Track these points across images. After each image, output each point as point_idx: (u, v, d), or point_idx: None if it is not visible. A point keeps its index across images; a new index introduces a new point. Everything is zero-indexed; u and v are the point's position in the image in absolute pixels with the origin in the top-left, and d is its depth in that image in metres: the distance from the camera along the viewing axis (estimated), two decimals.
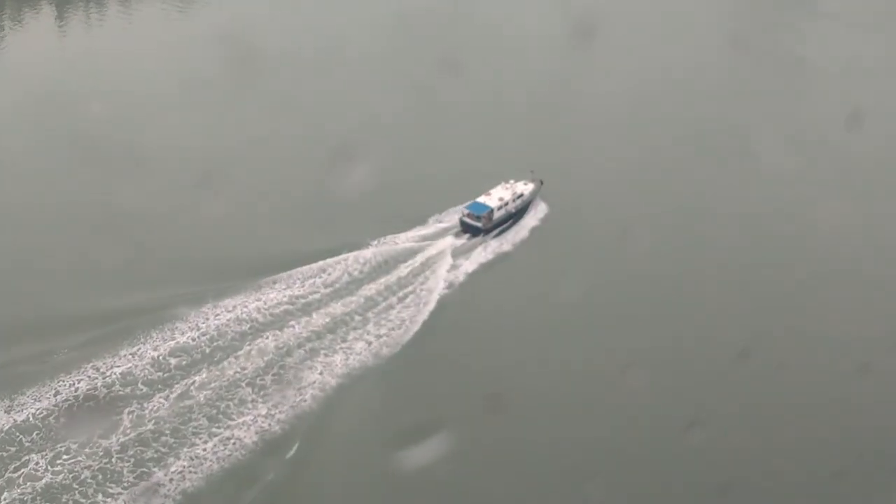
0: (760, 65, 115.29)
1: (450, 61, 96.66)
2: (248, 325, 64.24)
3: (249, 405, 57.84)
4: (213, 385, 58.72)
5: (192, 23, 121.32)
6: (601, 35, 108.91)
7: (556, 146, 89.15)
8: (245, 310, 65.64)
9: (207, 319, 64.17)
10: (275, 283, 68.83)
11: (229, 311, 65.09)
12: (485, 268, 72.89)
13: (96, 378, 58.24)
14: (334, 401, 58.65)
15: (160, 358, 60.50)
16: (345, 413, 58.04)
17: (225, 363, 60.56)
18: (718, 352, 64.40)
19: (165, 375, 59.34)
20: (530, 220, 79.36)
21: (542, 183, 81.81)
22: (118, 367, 59.22)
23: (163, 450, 54.03)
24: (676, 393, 60.87)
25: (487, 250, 74.97)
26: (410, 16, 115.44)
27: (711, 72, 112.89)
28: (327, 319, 65.61)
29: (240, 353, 61.66)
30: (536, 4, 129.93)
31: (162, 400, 57.37)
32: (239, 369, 60.36)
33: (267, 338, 63.35)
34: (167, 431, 55.21)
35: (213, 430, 55.69)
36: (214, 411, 56.90)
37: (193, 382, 58.93)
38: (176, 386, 58.47)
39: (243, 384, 59.26)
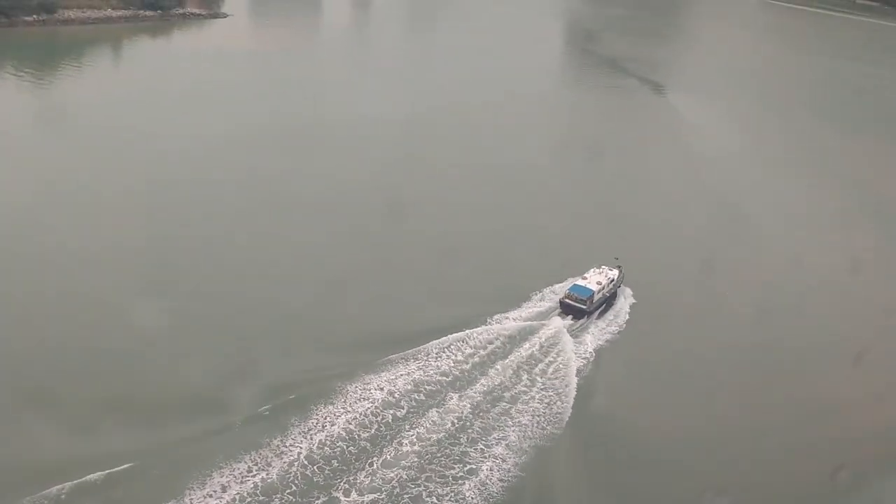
0: None
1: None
2: (391, 415, 60.18)
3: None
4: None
5: None
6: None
7: (622, 234, 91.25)
8: (390, 388, 62.11)
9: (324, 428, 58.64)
10: (396, 362, 65.39)
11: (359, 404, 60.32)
12: (610, 345, 72.22)
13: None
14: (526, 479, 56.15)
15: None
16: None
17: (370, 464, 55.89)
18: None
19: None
20: (624, 302, 79.79)
21: (622, 269, 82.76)
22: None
23: None
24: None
25: (600, 330, 74.26)
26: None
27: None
28: (477, 398, 62.77)
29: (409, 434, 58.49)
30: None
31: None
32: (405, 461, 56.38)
33: (426, 417, 60.47)
34: None
35: None
36: None
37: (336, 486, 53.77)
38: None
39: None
